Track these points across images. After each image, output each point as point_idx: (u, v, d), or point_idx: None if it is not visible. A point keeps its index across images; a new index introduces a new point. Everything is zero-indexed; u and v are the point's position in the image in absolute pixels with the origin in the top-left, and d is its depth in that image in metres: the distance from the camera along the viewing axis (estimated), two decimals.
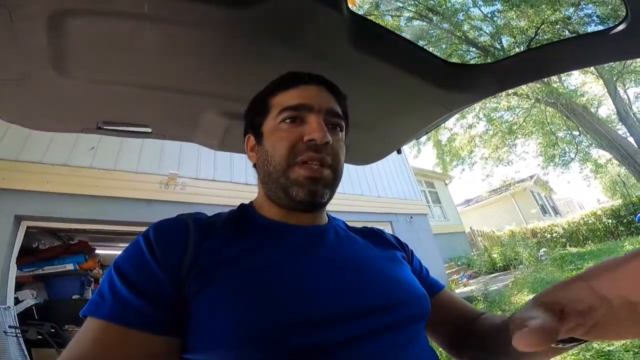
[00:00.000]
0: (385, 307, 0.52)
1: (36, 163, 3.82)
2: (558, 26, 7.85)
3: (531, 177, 18.16)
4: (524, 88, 10.77)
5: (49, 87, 0.83)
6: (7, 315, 2.95)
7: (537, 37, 7.81)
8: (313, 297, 0.48)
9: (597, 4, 7.37)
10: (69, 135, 4.10)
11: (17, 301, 3.46)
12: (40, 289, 4.00)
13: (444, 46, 9.65)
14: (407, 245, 0.78)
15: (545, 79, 10.38)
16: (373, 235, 0.74)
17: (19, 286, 3.70)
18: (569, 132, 12.70)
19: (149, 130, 1.06)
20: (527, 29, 8.10)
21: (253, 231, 0.60)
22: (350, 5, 0.76)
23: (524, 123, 12.52)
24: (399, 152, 1.46)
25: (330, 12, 0.72)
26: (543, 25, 7.75)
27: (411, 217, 8.37)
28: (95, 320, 0.43)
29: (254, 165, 0.69)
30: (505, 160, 13.40)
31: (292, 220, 0.62)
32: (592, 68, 10.20)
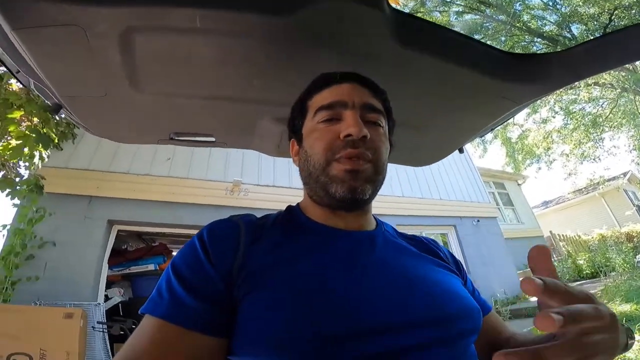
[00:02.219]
0: (436, 321, 0.49)
1: (124, 173, 4.35)
2: (634, 10, 6.99)
3: (624, 174, 15.77)
4: (605, 77, 9.52)
5: (127, 102, 0.92)
6: (97, 312, 3.29)
7: (612, 24, 7.00)
8: (362, 307, 0.47)
9: None
10: (148, 148, 4.59)
11: (106, 298, 3.87)
12: (126, 287, 4.46)
13: (503, 39, 8.97)
14: (460, 263, 0.74)
15: (631, 67, 9.09)
16: (425, 245, 0.71)
17: (109, 284, 4.16)
18: None
19: (213, 139, 1.14)
20: (599, 15, 7.27)
21: (301, 234, 0.60)
22: (393, 4, 0.74)
23: (610, 115, 10.95)
24: (460, 151, 1.38)
25: (369, 11, 0.71)
26: (617, 11, 6.95)
27: (478, 221, 7.79)
28: (153, 318, 0.45)
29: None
30: (591, 156, 11.78)
31: (338, 222, 0.62)
32: None
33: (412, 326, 0.47)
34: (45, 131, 3.16)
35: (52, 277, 3.44)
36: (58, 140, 3.76)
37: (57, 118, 3.37)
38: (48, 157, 3.33)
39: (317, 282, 0.49)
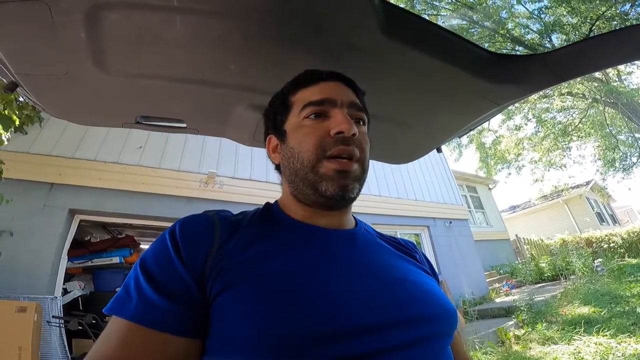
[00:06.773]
0: (415, 320, 0.49)
1: (91, 160, 4.11)
2: (615, 22, 7.46)
3: (587, 182, 16.70)
4: (579, 87, 10.05)
5: (90, 82, 0.86)
6: (53, 306, 3.12)
7: (592, 34, 7.36)
8: (340, 306, 0.46)
9: None
10: (119, 134, 4.37)
11: (65, 292, 3.64)
12: (87, 281, 4.23)
13: (486, 44, 9.36)
14: (433, 266, 0.74)
15: (604, 78, 9.57)
16: (403, 246, 0.71)
17: (68, 277, 3.93)
18: (631, 134, 11.54)
19: (184, 125, 1.08)
20: (580, 26, 7.63)
21: (279, 231, 0.59)
22: None
23: (580, 124, 11.55)
24: (439, 150, 1.38)
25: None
26: (598, 22, 7.34)
27: (450, 222, 8.01)
28: (121, 320, 0.43)
29: (276, 167, 0.69)
30: (557, 164, 12.40)
31: (319, 220, 0.61)
32: None
33: (393, 326, 0.46)
34: (7, 112, 2.94)
35: (6, 268, 3.22)
36: (22, 123, 3.52)
37: (22, 99, 3.15)
38: (8, 140, 3.09)
39: (295, 280, 0.48)
